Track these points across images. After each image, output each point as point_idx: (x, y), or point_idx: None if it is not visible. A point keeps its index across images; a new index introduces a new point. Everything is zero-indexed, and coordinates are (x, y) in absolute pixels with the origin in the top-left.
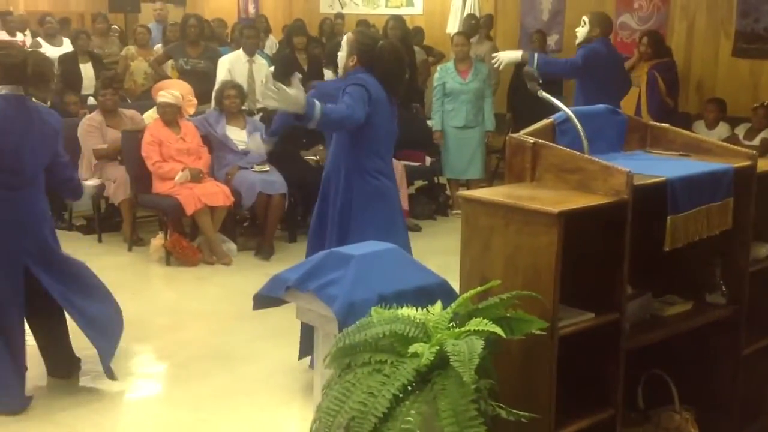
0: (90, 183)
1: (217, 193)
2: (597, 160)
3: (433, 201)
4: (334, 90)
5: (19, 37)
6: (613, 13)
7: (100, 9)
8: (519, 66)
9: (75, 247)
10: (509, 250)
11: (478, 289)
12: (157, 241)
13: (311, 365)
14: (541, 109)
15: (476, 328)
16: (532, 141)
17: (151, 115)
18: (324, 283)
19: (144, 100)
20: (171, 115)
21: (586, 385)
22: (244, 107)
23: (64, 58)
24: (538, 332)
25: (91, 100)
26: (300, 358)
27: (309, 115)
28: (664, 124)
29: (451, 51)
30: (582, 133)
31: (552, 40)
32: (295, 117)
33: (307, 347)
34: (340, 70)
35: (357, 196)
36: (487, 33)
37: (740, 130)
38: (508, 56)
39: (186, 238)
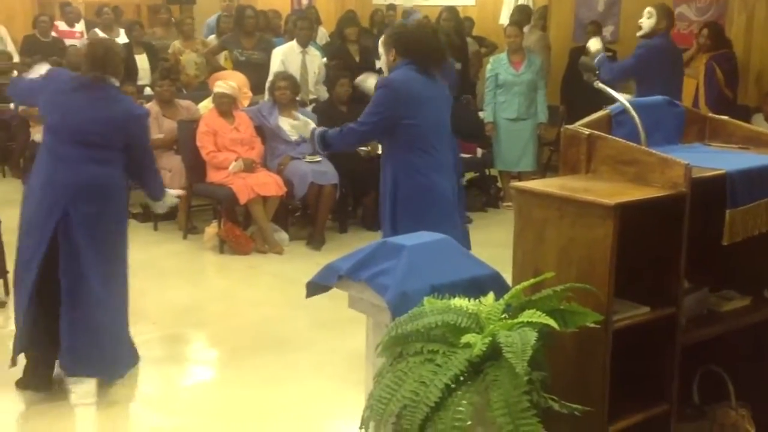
0: (173, 192)
1: (269, 183)
2: (654, 152)
3: (484, 193)
4: None
5: (77, 27)
6: (670, 3)
7: (156, 0)
8: (574, 57)
9: (131, 235)
10: (563, 242)
11: (532, 280)
12: (211, 229)
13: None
14: (595, 101)
15: (529, 320)
16: (587, 132)
17: (206, 106)
18: (376, 272)
19: (199, 90)
20: (227, 106)
21: (640, 380)
22: (297, 98)
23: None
24: (592, 325)
25: (147, 91)
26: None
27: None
28: (723, 117)
29: (503, 42)
30: (640, 125)
31: (607, 32)
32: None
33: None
34: (386, 72)
35: (402, 195)
36: (543, 24)
37: None
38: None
39: (239, 227)
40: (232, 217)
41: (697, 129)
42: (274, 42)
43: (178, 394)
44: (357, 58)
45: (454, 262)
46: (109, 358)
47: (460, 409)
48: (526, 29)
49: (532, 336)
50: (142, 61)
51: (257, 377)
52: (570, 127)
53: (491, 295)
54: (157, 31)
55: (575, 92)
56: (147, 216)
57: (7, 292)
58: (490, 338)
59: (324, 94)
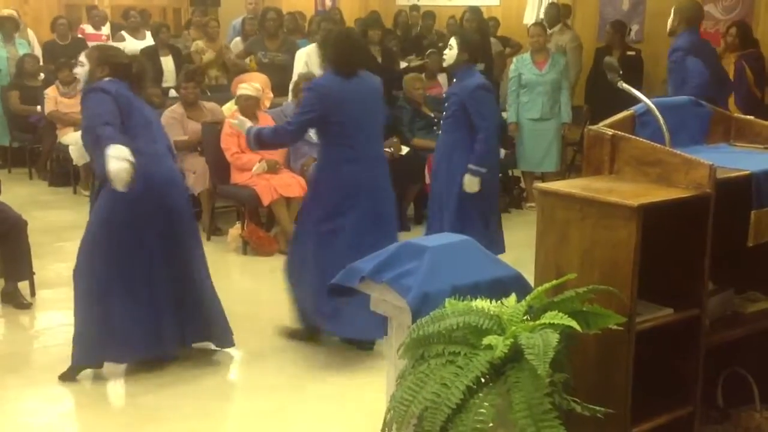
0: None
1: (292, 184)
2: (679, 152)
3: (507, 194)
4: None
5: (103, 30)
6: None
7: (181, 4)
8: (598, 57)
9: None
10: (586, 243)
11: (554, 282)
12: (235, 230)
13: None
14: (619, 102)
15: (551, 322)
16: (611, 133)
17: (229, 108)
18: (398, 274)
19: (221, 92)
20: (251, 108)
21: (664, 382)
22: None
23: (145, 52)
24: (615, 327)
25: (172, 93)
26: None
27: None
28: (749, 117)
29: (527, 42)
30: (664, 125)
31: (632, 31)
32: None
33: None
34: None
35: (316, 184)
36: (566, 22)
37: None
38: None
39: (262, 228)
40: (256, 219)
41: (723, 129)
42: (298, 44)
43: (200, 394)
44: (379, 59)
45: (476, 264)
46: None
47: (482, 411)
48: (556, 28)
49: (555, 338)
50: (167, 63)
51: (280, 377)
52: (593, 127)
53: (513, 297)
54: (193, 32)
55: (599, 92)
56: None
57: (33, 293)
58: (512, 340)
59: None
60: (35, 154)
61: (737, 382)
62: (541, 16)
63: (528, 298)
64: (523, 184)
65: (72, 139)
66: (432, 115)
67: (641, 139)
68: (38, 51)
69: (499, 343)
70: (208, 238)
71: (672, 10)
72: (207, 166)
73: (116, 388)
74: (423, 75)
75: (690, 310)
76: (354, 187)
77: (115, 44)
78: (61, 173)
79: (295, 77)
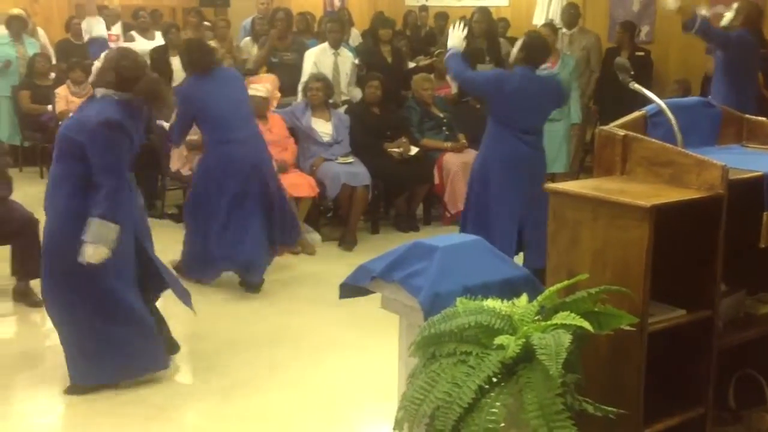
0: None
1: (302, 184)
2: (691, 153)
3: None
4: None
5: (114, 30)
6: (707, 2)
7: (191, 3)
8: (609, 58)
9: (166, 235)
10: (598, 244)
11: (566, 282)
12: None
13: None
14: (628, 102)
15: (563, 322)
16: (622, 134)
17: None
18: (409, 273)
19: None
20: (262, 109)
21: (676, 383)
22: (330, 100)
23: (155, 52)
24: (627, 328)
25: None
26: None
27: None
28: (761, 118)
29: None
30: (675, 126)
31: (642, 32)
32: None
33: None
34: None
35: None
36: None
37: None
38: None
39: None
40: None
41: (735, 130)
42: (307, 44)
43: (209, 395)
44: (389, 59)
45: (487, 264)
46: None
47: (494, 410)
48: (575, 29)
49: (567, 338)
50: (176, 63)
51: (289, 377)
52: (605, 128)
53: (524, 297)
54: (188, 33)
55: (609, 93)
56: (181, 216)
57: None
58: (524, 340)
59: (357, 95)
60: (46, 153)
61: (749, 384)
62: (551, 16)
63: (540, 298)
64: None
65: None
66: (441, 115)
67: (653, 140)
68: (49, 50)
69: (510, 343)
70: None
71: (734, 8)
72: None
73: (127, 387)
74: (432, 75)
75: (702, 311)
76: (229, 162)
77: (125, 44)
78: None
79: (304, 77)
